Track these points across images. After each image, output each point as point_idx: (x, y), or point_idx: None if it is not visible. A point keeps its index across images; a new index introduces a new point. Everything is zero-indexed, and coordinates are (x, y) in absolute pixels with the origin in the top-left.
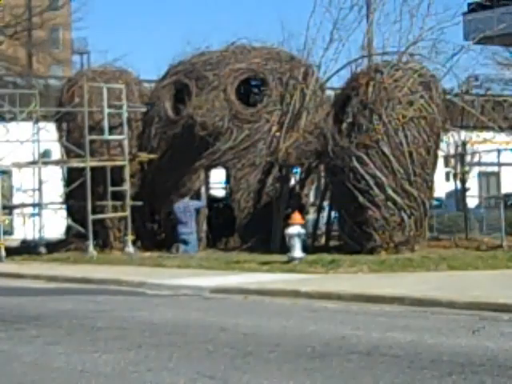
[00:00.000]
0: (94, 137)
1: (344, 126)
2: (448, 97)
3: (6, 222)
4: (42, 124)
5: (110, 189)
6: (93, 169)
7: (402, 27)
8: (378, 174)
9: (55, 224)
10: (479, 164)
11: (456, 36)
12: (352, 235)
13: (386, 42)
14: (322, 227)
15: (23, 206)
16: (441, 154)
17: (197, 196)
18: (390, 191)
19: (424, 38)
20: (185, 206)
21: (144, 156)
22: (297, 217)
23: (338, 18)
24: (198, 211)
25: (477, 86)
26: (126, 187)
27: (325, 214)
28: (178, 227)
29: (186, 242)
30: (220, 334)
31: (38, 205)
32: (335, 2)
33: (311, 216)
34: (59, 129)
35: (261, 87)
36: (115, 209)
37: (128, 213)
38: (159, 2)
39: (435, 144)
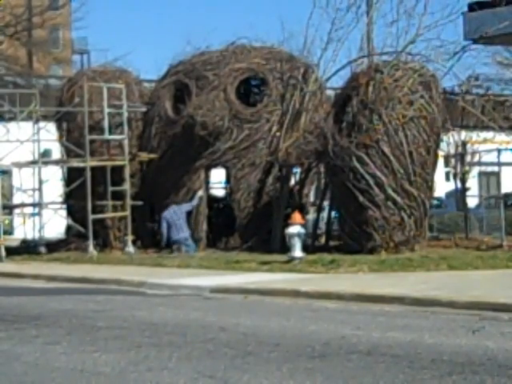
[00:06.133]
0: (94, 136)
1: (344, 125)
2: (448, 96)
3: (6, 221)
4: (42, 124)
5: (110, 189)
6: (93, 169)
7: (400, 27)
8: (378, 173)
9: (55, 224)
10: (479, 164)
11: (456, 35)
12: (352, 235)
13: (385, 41)
14: (322, 227)
15: (23, 205)
16: (441, 153)
17: (192, 195)
18: (390, 191)
19: (420, 37)
20: (176, 213)
21: (144, 156)
22: (297, 216)
23: (336, 19)
24: (189, 213)
25: (477, 86)
26: (126, 187)
27: (325, 214)
28: (175, 234)
29: (186, 246)
30: (220, 333)
31: (38, 205)
32: (332, 3)
33: (311, 216)
34: (59, 129)
35: (261, 87)
36: (115, 209)
37: (128, 213)
38: (159, 2)
39: (435, 144)
